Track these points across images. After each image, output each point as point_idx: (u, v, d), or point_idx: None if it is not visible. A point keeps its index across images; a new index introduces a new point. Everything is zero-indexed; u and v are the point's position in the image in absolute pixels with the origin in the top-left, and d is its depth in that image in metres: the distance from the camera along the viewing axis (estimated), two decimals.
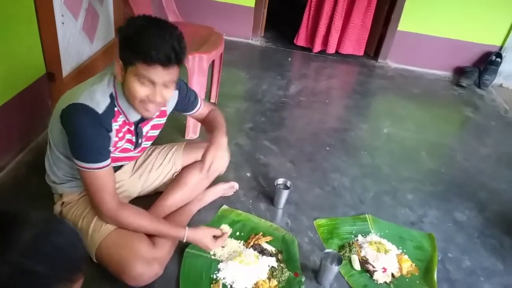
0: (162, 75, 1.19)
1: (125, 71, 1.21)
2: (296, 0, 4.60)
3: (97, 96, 1.25)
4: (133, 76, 1.19)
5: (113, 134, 1.31)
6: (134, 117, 1.35)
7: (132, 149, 1.47)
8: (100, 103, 1.24)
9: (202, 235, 1.46)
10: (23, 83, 1.86)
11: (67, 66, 2.25)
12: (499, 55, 3.49)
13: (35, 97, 1.97)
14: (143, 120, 1.40)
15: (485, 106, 3.28)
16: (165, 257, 1.42)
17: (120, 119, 1.33)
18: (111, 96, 1.28)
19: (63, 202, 1.45)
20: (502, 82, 3.64)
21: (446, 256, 1.76)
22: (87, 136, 1.23)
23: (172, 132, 2.18)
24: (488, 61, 3.51)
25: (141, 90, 1.21)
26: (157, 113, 1.43)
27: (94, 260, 1.36)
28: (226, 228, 1.60)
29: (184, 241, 1.42)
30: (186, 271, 1.49)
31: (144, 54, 1.13)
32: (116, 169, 1.58)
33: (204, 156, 1.47)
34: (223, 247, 1.59)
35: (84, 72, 2.42)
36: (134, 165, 1.67)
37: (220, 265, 1.52)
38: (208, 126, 1.66)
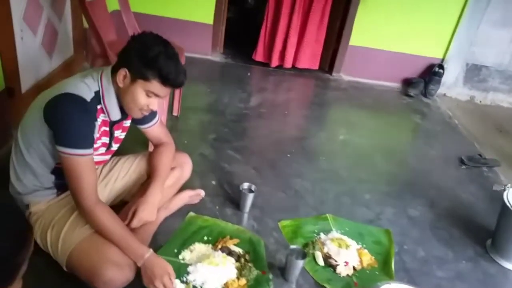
0: (167, 92, 1.40)
1: (132, 82, 1.34)
2: (253, 18, 4.77)
3: (82, 87, 1.33)
4: (143, 89, 1.35)
5: (96, 126, 1.37)
6: (115, 116, 1.44)
7: (104, 151, 1.51)
8: (86, 94, 1.32)
9: (161, 267, 1.37)
10: None
11: (26, 81, 2.23)
12: (441, 66, 3.78)
13: None
14: (117, 121, 1.49)
15: (432, 113, 3.54)
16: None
17: (100, 118, 1.40)
18: (96, 92, 1.36)
19: (30, 213, 1.44)
20: (445, 91, 3.93)
21: (402, 248, 1.88)
22: (76, 120, 1.29)
23: (135, 145, 2.19)
24: (432, 72, 3.79)
25: (145, 100, 1.37)
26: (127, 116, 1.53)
27: (65, 269, 1.37)
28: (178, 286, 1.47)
29: (141, 262, 1.35)
30: None
31: (164, 76, 1.32)
32: None
33: (129, 207, 1.56)
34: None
35: (43, 88, 2.36)
36: (99, 175, 1.68)
37: (189, 268, 1.56)
38: (151, 165, 1.66)
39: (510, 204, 1.81)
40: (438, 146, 2.97)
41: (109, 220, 1.36)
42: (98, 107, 1.38)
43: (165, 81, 1.34)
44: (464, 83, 3.95)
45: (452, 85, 3.93)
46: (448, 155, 2.84)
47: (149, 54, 1.31)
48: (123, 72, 1.34)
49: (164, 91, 1.38)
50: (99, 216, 1.34)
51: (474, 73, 3.90)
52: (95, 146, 1.42)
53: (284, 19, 3.64)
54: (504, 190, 1.89)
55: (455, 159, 2.78)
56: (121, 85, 1.36)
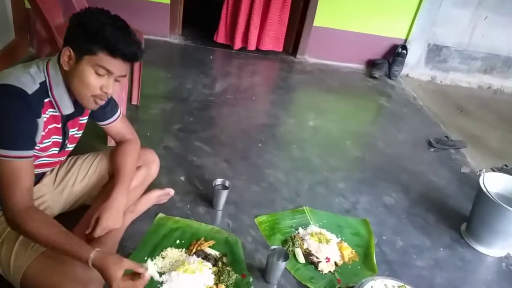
0: (122, 68, 1.20)
1: (78, 61, 1.16)
2: None
3: (24, 78, 1.15)
4: (91, 66, 1.16)
5: (40, 123, 1.18)
6: (67, 109, 1.26)
7: (57, 152, 1.33)
8: (29, 86, 1.14)
9: (111, 263, 1.10)
10: None
11: None
12: (404, 47, 3.77)
13: None
14: (71, 117, 1.31)
15: (397, 95, 3.53)
16: (102, 277, 1.28)
17: (48, 113, 1.22)
18: (42, 83, 1.18)
19: None
20: (408, 72, 3.95)
21: (381, 239, 1.84)
22: (10, 116, 1.10)
23: (92, 140, 1.99)
24: (395, 53, 3.78)
25: (95, 80, 1.18)
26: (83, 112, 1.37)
27: None
28: (150, 269, 1.17)
29: (90, 264, 1.10)
30: None
31: (112, 47, 1.14)
32: (36, 182, 1.42)
33: (91, 214, 1.40)
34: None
35: None
36: (56, 178, 1.49)
37: (163, 277, 1.42)
38: (114, 165, 1.49)
39: (486, 189, 1.81)
40: (406, 128, 2.97)
41: (41, 227, 1.12)
42: (46, 100, 1.20)
43: (114, 51, 1.15)
44: (426, 64, 3.99)
45: (414, 66, 3.95)
46: (416, 137, 2.84)
47: (93, 26, 1.13)
48: (67, 52, 1.16)
49: (115, 65, 1.18)
50: (28, 221, 1.11)
51: (435, 53, 3.94)
52: (44, 145, 1.25)
53: None
54: (480, 175, 1.88)
55: (423, 142, 2.78)
56: (66, 68, 1.17)
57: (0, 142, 1.10)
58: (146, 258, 1.50)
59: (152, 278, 1.17)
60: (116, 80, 1.22)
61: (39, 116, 1.18)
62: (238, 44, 3.66)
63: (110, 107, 1.47)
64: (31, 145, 1.16)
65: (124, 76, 1.23)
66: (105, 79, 1.19)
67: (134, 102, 2.50)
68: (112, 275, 1.08)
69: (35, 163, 1.27)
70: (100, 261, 1.10)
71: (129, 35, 1.18)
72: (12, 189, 1.12)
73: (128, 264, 1.12)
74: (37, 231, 1.11)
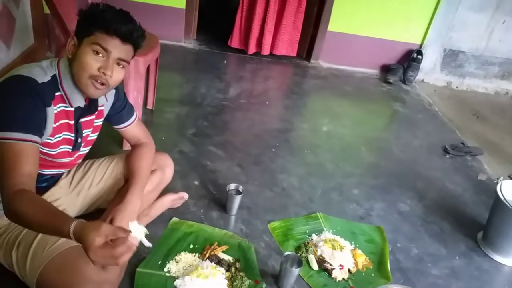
0: (120, 49, 1.19)
1: (79, 45, 1.19)
2: (227, 2, 4.57)
3: (36, 70, 1.19)
4: (88, 46, 1.17)
5: (50, 114, 1.20)
6: (77, 101, 1.27)
7: (70, 150, 1.34)
8: (40, 76, 1.18)
9: (89, 230, 0.94)
10: None
11: None
12: (419, 52, 3.74)
13: None
14: (84, 115, 1.33)
15: (412, 100, 3.50)
16: (116, 279, 1.29)
17: (60, 107, 1.24)
18: (53, 77, 1.22)
19: None
20: (423, 77, 3.91)
21: (396, 246, 1.82)
22: (17, 100, 1.12)
23: (108, 143, 2.02)
24: (410, 58, 3.74)
25: (94, 62, 1.18)
26: (97, 112, 1.38)
27: None
28: (134, 232, 1.05)
29: (72, 236, 0.96)
30: None
31: (107, 24, 1.16)
32: (52, 184, 1.45)
33: (105, 216, 1.39)
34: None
35: None
36: (72, 181, 1.52)
37: (177, 282, 1.43)
38: (129, 169, 1.50)
39: (503, 197, 1.78)
40: (421, 134, 2.93)
41: (31, 201, 1.06)
42: (57, 94, 1.22)
43: (109, 28, 1.16)
44: (442, 69, 3.94)
45: (429, 71, 3.91)
46: (431, 143, 2.81)
47: (94, 12, 1.18)
48: (72, 42, 1.20)
49: (112, 43, 1.17)
50: (19, 200, 1.05)
51: (451, 58, 3.90)
52: (55, 140, 1.26)
53: (260, 4, 3.48)
54: (497, 182, 1.85)
55: (439, 148, 2.75)
56: (70, 55, 1.21)
57: (3, 124, 1.10)
58: (160, 262, 1.51)
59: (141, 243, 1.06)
60: (118, 65, 1.21)
61: (49, 105, 1.19)
62: (252, 49, 3.67)
63: (126, 110, 1.49)
64: (35, 129, 1.15)
65: (126, 61, 1.22)
66: (104, 60, 1.18)
67: (149, 106, 2.53)
68: (89, 242, 0.92)
69: (49, 163, 1.30)
70: (80, 230, 0.95)
71: (128, 17, 1.21)
72: (12, 172, 1.08)
73: (107, 229, 0.95)
74: (26, 209, 1.03)
